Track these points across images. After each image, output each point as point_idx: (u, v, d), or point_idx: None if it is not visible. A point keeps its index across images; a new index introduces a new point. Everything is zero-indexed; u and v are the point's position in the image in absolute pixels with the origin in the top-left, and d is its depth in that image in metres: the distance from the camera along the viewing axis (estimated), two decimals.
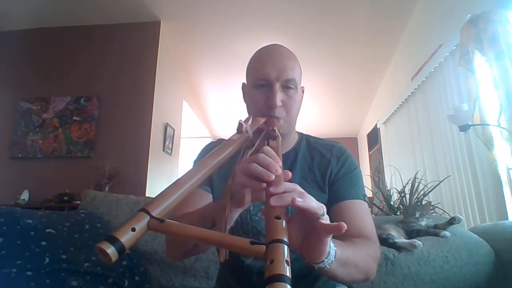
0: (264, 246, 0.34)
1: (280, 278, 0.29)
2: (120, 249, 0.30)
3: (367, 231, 0.68)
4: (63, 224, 1.05)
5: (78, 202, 2.61)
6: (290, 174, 0.48)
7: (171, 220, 0.35)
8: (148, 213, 0.35)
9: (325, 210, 0.43)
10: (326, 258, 0.46)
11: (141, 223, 0.33)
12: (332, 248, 0.47)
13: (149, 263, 1.14)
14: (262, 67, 0.71)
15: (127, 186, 2.92)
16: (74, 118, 3.24)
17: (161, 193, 0.39)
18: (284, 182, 0.45)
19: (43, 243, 0.93)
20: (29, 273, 0.83)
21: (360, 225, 0.68)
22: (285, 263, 0.31)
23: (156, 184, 3.25)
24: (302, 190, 0.44)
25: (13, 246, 0.87)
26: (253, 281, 0.73)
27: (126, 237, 0.31)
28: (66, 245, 0.98)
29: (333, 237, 0.45)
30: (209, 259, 1.12)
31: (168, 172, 3.73)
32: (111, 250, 0.30)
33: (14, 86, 3.39)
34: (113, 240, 0.30)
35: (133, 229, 0.32)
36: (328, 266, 0.47)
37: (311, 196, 0.43)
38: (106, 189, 2.89)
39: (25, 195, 2.94)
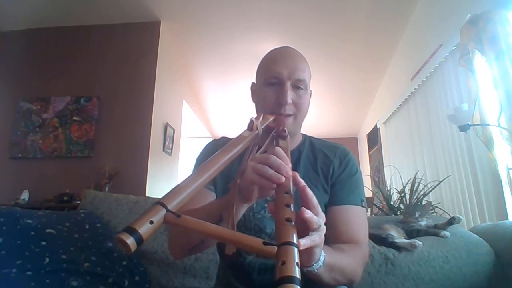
0: (276, 247, 0.35)
1: (292, 280, 0.31)
2: (139, 240, 0.31)
3: (359, 238, 0.70)
4: (63, 224, 1.05)
5: (78, 202, 2.61)
6: (298, 176, 0.49)
7: (187, 216, 0.36)
8: (164, 206, 0.35)
9: (323, 221, 0.45)
10: (315, 263, 0.49)
11: (158, 216, 0.34)
12: (322, 254, 0.50)
13: (149, 263, 1.14)
14: (274, 65, 0.73)
15: (127, 186, 2.92)
16: (74, 118, 3.23)
17: (176, 187, 0.40)
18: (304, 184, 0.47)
19: (43, 243, 0.93)
20: (29, 273, 0.83)
21: (352, 231, 0.70)
22: (296, 266, 0.33)
23: (156, 184, 3.25)
24: (315, 198, 0.46)
25: (13, 246, 0.87)
26: (253, 279, 0.73)
27: (144, 229, 0.32)
28: (66, 245, 0.98)
29: (325, 242, 0.47)
30: (209, 259, 1.12)
31: (168, 172, 3.73)
32: (130, 240, 0.31)
33: (14, 86, 3.38)
34: (132, 231, 0.31)
35: (151, 222, 0.33)
36: (316, 270, 0.50)
37: (317, 202, 0.45)
38: (106, 189, 2.89)
39: (25, 195, 2.93)
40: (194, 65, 4.24)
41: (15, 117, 3.27)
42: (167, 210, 0.35)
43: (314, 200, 0.45)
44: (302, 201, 0.45)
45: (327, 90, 4.84)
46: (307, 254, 0.47)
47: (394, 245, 1.09)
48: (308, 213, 0.41)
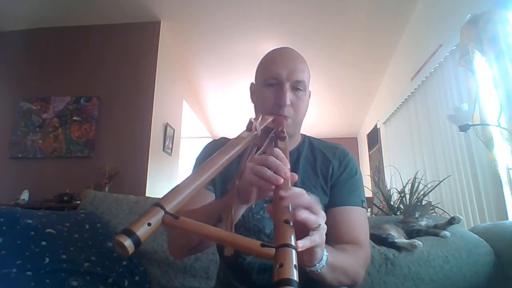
0: (274, 249, 0.35)
1: (289, 282, 0.31)
2: (137, 242, 0.31)
3: (360, 239, 0.70)
4: (63, 224, 1.05)
5: (78, 202, 2.61)
6: (296, 177, 0.49)
7: (185, 218, 0.36)
8: (163, 208, 0.35)
9: (323, 220, 0.44)
10: (318, 263, 0.49)
11: (156, 218, 0.34)
12: (324, 254, 0.49)
13: (149, 263, 1.14)
14: (273, 66, 0.72)
15: (127, 186, 2.92)
16: (74, 118, 3.23)
17: (174, 188, 0.39)
18: (292, 187, 0.46)
19: (43, 243, 0.93)
20: (29, 273, 0.83)
21: (354, 233, 0.70)
22: (294, 268, 0.32)
23: (156, 184, 3.25)
24: (308, 197, 0.45)
25: (13, 246, 0.87)
26: (253, 279, 0.73)
27: (142, 231, 0.32)
28: (66, 245, 0.98)
29: (327, 242, 0.47)
30: (209, 259, 1.12)
31: (168, 172, 3.73)
32: (128, 242, 0.31)
33: (14, 86, 3.38)
34: (130, 233, 0.31)
35: (149, 224, 0.33)
36: (319, 270, 0.50)
37: (315, 202, 0.45)
38: (106, 189, 2.89)
39: (25, 195, 2.93)
40: (194, 65, 4.24)
41: (15, 117, 3.26)
42: (165, 212, 0.35)
43: (304, 198, 0.44)
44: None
45: (327, 90, 4.84)
46: (309, 254, 0.46)
47: (394, 245, 1.09)
48: (302, 214, 0.41)
